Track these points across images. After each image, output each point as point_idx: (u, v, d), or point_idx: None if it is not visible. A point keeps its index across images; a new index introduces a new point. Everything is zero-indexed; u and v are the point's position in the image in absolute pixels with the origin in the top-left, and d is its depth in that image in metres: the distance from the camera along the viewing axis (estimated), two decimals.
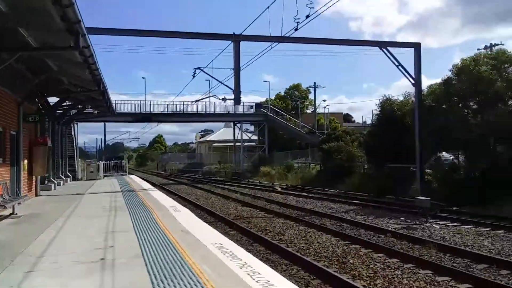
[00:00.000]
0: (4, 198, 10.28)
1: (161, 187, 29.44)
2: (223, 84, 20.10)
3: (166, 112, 43.42)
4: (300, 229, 14.00)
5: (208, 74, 36.72)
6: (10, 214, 10.48)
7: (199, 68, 36.10)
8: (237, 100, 20.81)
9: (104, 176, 30.51)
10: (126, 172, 34.17)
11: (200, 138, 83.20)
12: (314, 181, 32.26)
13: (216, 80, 46.12)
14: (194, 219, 10.06)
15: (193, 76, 45.74)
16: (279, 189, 30.13)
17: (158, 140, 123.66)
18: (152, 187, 20.31)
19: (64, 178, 23.93)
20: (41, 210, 11.85)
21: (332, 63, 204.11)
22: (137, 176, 36.66)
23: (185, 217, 9.99)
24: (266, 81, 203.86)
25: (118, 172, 34.69)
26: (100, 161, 32.66)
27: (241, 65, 21.32)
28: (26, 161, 14.09)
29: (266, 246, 11.46)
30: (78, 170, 29.67)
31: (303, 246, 11.49)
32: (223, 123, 75.65)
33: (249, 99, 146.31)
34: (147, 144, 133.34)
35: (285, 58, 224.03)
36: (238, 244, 7.66)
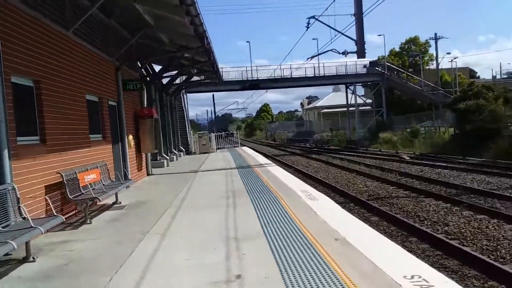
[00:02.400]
0: (103, 184, 8.55)
1: (275, 160, 27.36)
2: (343, 34, 16.70)
3: (274, 78, 41.06)
4: (465, 215, 10.64)
5: (324, 23, 32.53)
6: (113, 204, 8.82)
7: (313, 17, 32.28)
8: (360, 53, 17.38)
9: (217, 148, 29.34)
10: (238, 143, 32.77)
11: (308, 104, 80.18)
12: (448, 148, 27.64)
13: (334, 29, 41.64)
14: (337, 210, 7.42)
15: (307, 27, 41.43)
16: (408, 158, 26.26)
17: (264, 109, 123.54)
18: (269, 162, 18.06)
19: (177, 153, 22.94)
20: (149, 196, 10.16)
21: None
22: (249, 147, 35.18)
23: (324, 207, 7.37)
24: (380, 34, 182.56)
25: (230, 144, 33.51)
26: (212, 133, 31.57)
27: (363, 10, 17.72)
28: (131, 137, 12.62)
29: (430, 242, 8.45)
30: (190, 143, 28.84)
31: (485, 245, 8.25)
32: (332, 88, 71.77)
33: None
34: (253, 114, 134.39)
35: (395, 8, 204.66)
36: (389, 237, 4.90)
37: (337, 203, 9.20)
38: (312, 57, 25.11)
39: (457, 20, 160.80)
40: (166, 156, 18.80)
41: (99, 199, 7.43)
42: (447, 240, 8.47)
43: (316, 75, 41.82)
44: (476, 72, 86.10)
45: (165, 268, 4.63)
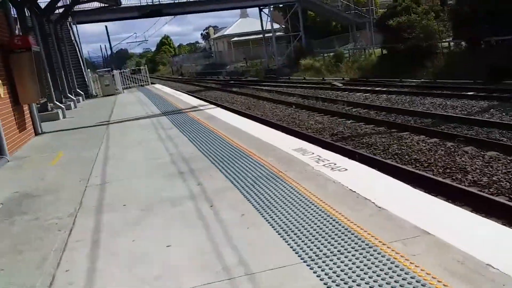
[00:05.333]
0: None
1: (192, 96, 23.44)
2: None
3: (179, 2, 35.69)
4: (474, 154, 8.26)
5: None
6: None
7: None
8: None
9: (123, 89, 24.49)
10: (148, 81, 28.00)
11: (214, 34, 74.72)
12: (377, 71, 25.82)
13: None
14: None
15: None
16: (340, 85, 24.02)
17: (165, 42, 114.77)
18: (201, 102, 14.16)
19: (74, 98, 18.08)
20: (40, 181, 6.09)
21: None
22: (161, 85, 30.57)
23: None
24: None
25: (136, 83, 28.64)
26: (115, 71, 26.36)
27: None
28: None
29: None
30: (89, 84, 23.64)
31: None
32: (239, 15, 67.19)
33: None
34: (152, 49, 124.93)
35: None
36: None
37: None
38: None
39: None
40: (60, 104, 14.16)
41: None
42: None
43: None
44: None
45: None
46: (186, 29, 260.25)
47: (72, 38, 25.20)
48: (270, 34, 40.19)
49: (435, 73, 21.63)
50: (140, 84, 28.12)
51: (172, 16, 42.26)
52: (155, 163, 6.17)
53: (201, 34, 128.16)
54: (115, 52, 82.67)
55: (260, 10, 40.28)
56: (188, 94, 20.12)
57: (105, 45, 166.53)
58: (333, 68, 31.00)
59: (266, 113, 17.49)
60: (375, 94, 18.72)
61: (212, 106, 12.51)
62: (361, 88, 21.20)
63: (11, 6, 10.45)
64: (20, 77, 9.20)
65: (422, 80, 21.28)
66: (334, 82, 25.09)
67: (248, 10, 64.34)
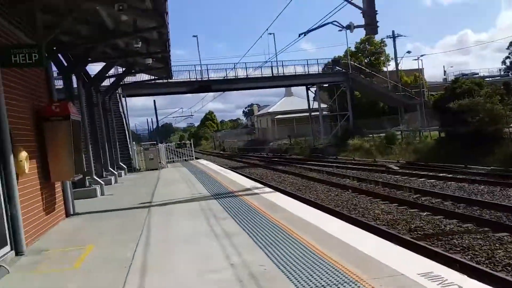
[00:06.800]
0: None
1: (240, 174, 22.16)
2: (348, 2, 12.02)
3: (228, 78, 35.84)
4: None
5: None
6: None
7: None
8: (371, 28, 12.52)
9: (167, 163, 23.54)
10: (193, 156, 27.08)
11: (258, 111, 75.41)
12: (437, 155, 23.88)
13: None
14: None
15: None
16: (397, 168, 22.18)
17: (209, 117, 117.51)
18: (253, 183, 12.55)
19: (116, 172, 17.08)
20: None
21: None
22: (205, 159, 29.65)
23: None
24: (340, 30, 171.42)
25: (179, 157, 27.85)
26: (160, 144, 25.68)
27: None
28: (23, 154, 6.71)
29: None
30: (133, 157, 22.88)
31: None
32: (279, 96, 67.94)
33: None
34: (196, 124, 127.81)
35: None
36: None
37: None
38: (307, 32, 19.35)
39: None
40: (99, 180, 13.02)
41: None
42: None
43: (274, 74, 37.30)
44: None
45: None
46: (228, 106, 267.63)
47: (120, 110, 25.06)
48: (317, 113, 39.45)
49: (505, 160, 19.52)
50: (184, 158, 27.29)
51: (220, 92, 42.65)
52: (211, 280, 4.48)
53: (243, 111, 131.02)
54: (161, 125, 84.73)
55: (307, 89, 39.98)
56: (236, 172, 18.75)
57: (151, 119, 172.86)
58: (385, 150, 29.32)
59: (319, 196, 15.84)
60: (442, 181, 16.72)
61: (268, 189, 10.90)
62: (422, 173, 19.25)
63: (57, 72, 9.70)
64: (53, 150, 8.03)
65: (492, 167, 19.13)
66: (389, 165, 23.25)
67: (293, 89, 65.05)
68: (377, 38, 53.33)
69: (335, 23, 14.52)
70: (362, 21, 13.11)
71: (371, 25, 12.54)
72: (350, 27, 13.60)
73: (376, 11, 12.84)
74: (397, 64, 46.67)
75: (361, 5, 12.75)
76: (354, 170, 23.20)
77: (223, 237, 6.07)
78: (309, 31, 16.80)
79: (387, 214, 11.66)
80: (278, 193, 10.01)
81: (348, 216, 11.07)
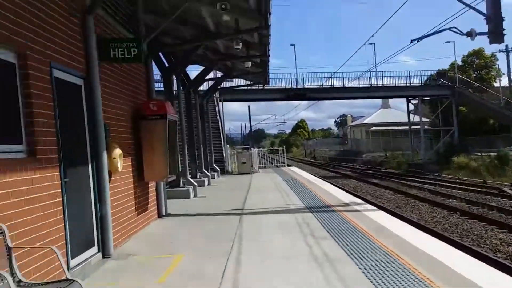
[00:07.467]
0: None
1: (334, 184, 21.18)
2: (470, 7, 10.76)
3: (323, 87, 35.04)
4: None
5: None
6: None
7: None
8: (495, 36, 11.02)
9: (259, 168, 23.37)
10: (284, 163, 26.67)
11: (352, 121, 73.33)
12: None
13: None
14: None
15: None
16: None
17: (300, 125, 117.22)
18: (353, 198, 11.49)
19: (209, 174, 17.17)
20: None
21: None
22: (296, 167, 29.05)
23: None
24: (448, 42, 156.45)
25: (271, 163, 27.60)
26: (253, 148, 25.64)
27: None
28: (117, 151, 6.50)
29: None
30: (227, 160, 23.06)
31: None
32: (372, 107, 65.27)
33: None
34: (287, 131, 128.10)
35: None
36: None
37: None
38: (420, 38, 17.56)
39: None
40: (192, 181, 13.02)
41: None
42: None
43: (372, 85, 35.72)
44: None
45: None
46: (320, 115, 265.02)
47: (217, 113, 25.48)
48: (418, 127, 36.97)
49: None
50: (276, 165, 26.98)
51: (315, 101, 41.91)
52: None
53: (335, 121, 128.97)
54: (253, 131, 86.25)
55: (408, 102, 37.66)
56: (329, 183, 17.84)
57: (244, 124, 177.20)
58: (496, 171, 26.41)
59: (423, 216, 14.45)
60: None
61: (370, 206, 9.91)
62: None
63: (160, 75, 9.76)
64: (148, 149, 7.94)
65: None
66: (503, 188, 20.75)
67: (390, 101, 62.23)
68: (487, 51, 49.11)
69: (454, 29, 13.13)
70: (483, 28, 11.70)
71: (495, 33, 11.07)
72: (471, 34, 12.19)
73: (503, 17, 11.38)
74: (510, 80, 42.48)
75: (480, 10, 11.40)
76: (461, 190, 21.02)
77: (325, 263, 5.30)
78: (423, 37, 15.57)
79: (508, 245, 10.08)
80: (381, 212, 9.01)
81: (461, 244, 9.72)
